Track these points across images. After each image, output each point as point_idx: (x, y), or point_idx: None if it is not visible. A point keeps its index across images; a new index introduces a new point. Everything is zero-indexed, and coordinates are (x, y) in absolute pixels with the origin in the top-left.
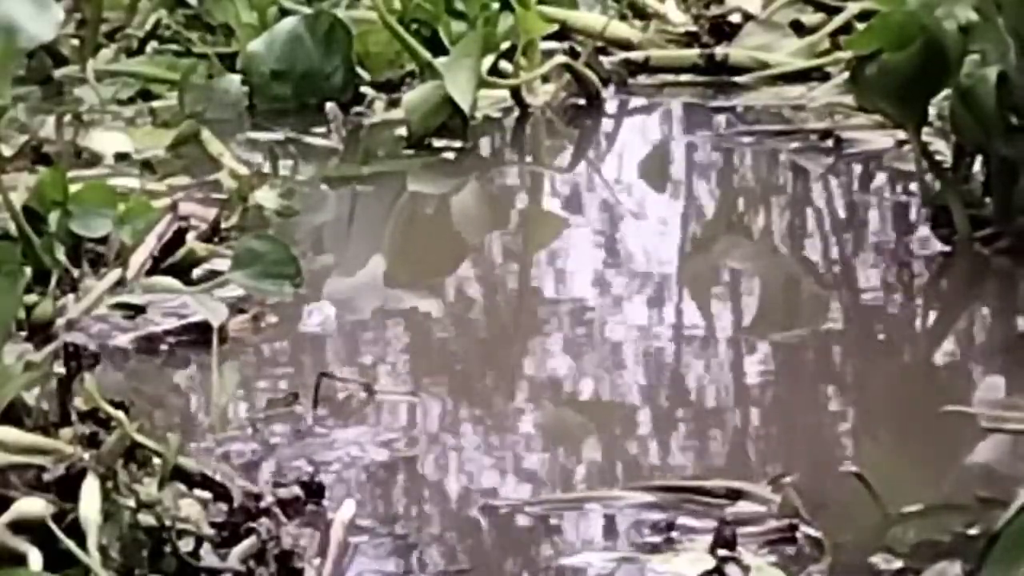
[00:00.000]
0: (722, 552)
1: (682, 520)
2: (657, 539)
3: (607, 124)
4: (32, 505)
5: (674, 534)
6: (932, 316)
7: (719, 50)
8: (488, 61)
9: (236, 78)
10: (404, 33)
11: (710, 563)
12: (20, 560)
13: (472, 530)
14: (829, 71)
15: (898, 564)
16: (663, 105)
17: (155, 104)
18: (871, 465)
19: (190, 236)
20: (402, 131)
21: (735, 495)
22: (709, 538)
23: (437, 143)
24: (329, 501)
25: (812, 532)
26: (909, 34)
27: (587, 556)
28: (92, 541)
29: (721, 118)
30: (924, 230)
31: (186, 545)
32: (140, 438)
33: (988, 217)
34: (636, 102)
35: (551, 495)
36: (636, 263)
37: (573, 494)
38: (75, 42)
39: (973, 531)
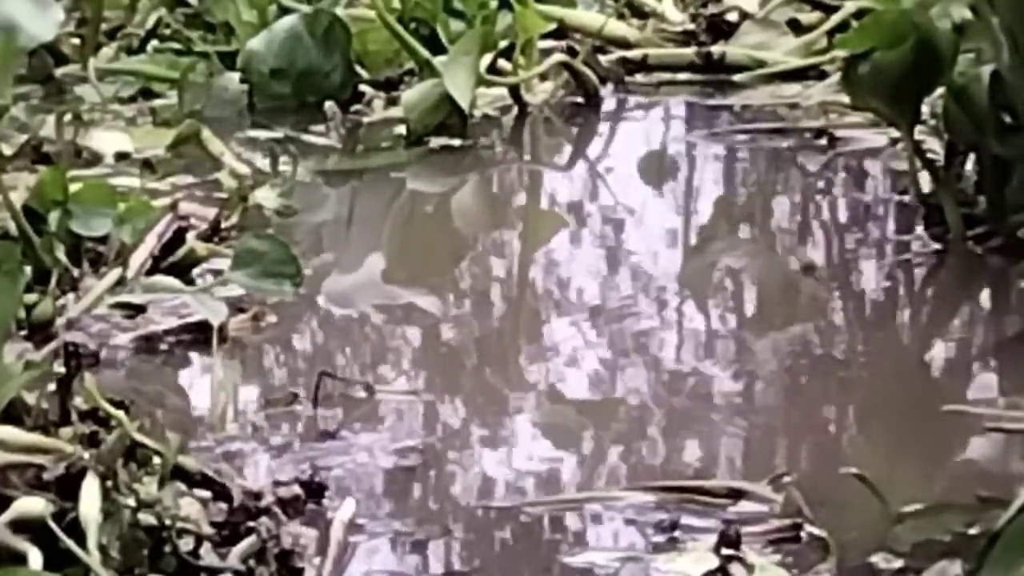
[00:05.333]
0: (726, 551)
1: (685, 520)
2: (660, 538)
3: (605, 122)
4: (32, 504)
5: (677, 533)
6: (926, 315)
7: (716, 48)
8: (487, 59)
9: (235, 76)
10: (403, 32)
11: (714, 562)
12: (20, 559)
13: (474, 530)
14: (826, 69)
15: (898, 564)
16: (661, 103)
17: (156, 103)
18: (870, 464)
19: (190, 235)
20: (401, 129)
21: (736, 495)
22: (712, 537)
23: (436, 141)
24: (329, 500)
25: (816, 531)
26: (902, 33)
27: (591, 556)
28: (92, 540)
29: (718, 116)
30: (917, 229)
31: (186, 544)
32: (140, 437)
33: (981, 216)
34: (634, 100)
35: (553, 495)
36: (635, 261)
37: (574, 494)
38: (76, 41)
39: (973, 530)
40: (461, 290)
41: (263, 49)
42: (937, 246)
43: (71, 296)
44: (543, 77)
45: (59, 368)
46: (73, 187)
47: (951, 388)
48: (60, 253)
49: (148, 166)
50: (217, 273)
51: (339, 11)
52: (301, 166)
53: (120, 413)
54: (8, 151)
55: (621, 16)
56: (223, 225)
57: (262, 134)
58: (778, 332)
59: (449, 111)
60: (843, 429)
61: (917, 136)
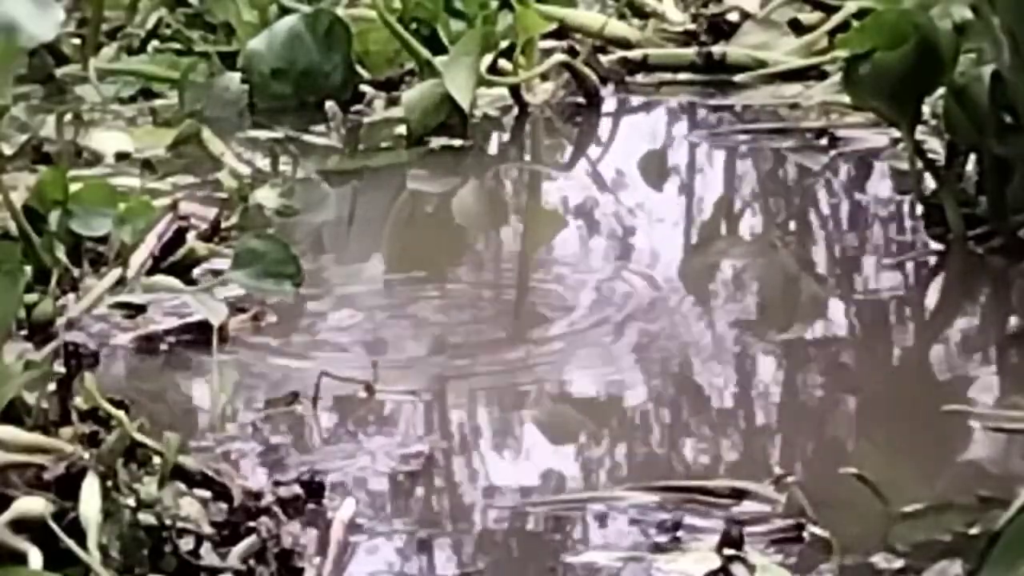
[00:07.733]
0: (728, 551)
1: (687, 520)
2: (663, 538)
3: (606, 122)
4: (32, 504)
5: (680, 533)
6: (927, 315)
7: (717, 49)
8: (487, 59)
9: (236, 76)
10: (403, 32)
11: (716, 562)
12: (20, 559)
13: (476, 530)
14: (826, 70)
15: (899, 563)
16: (661, 103)
17: (156, 103)
18: (871, 464)
19: (190, 235)
20: (401, 129)
21: (739, 495)
22: (715, 537)
23: (436, 141)
24: (329, 500)
25: (818, 531)
26: (902, 33)
27: (593, 555)
28: (92, 540)
29: (719, 116)
30: (918, 229)
31: (186, 544)
32: (140, 437)
33: (982, 216)
34: (634, 100)
35: (555, 495)
36: (635, 261)
37: (577, 494)
38: (76, 41)
39: (974, 530)
40: (461, 290)
41: (264, 49)
42: (938, 246)
43: (71, 296)
44: (544, 77)
45: (59, 368)
46: (73, 187)
47: (951, 388)
48: (60, 253)
49: (148, 166)
50: (217, 273)
51: (340, 11)
52: (301, 166)
53: (120, 413)
54: (8, 151)
55: (622, 16)
56: (223, 225)
57: (262, 134)
58: (779, 332)
59: (449, 111)
60: (844, 429)
61: (918, 136)
